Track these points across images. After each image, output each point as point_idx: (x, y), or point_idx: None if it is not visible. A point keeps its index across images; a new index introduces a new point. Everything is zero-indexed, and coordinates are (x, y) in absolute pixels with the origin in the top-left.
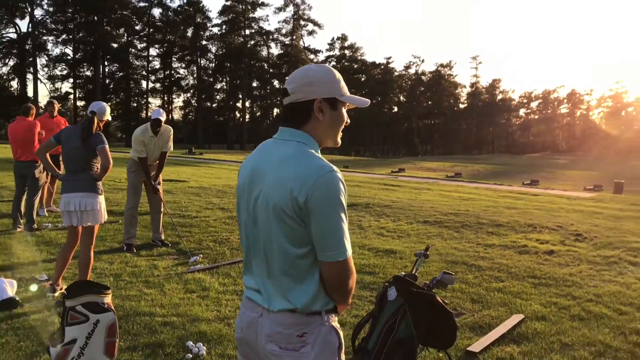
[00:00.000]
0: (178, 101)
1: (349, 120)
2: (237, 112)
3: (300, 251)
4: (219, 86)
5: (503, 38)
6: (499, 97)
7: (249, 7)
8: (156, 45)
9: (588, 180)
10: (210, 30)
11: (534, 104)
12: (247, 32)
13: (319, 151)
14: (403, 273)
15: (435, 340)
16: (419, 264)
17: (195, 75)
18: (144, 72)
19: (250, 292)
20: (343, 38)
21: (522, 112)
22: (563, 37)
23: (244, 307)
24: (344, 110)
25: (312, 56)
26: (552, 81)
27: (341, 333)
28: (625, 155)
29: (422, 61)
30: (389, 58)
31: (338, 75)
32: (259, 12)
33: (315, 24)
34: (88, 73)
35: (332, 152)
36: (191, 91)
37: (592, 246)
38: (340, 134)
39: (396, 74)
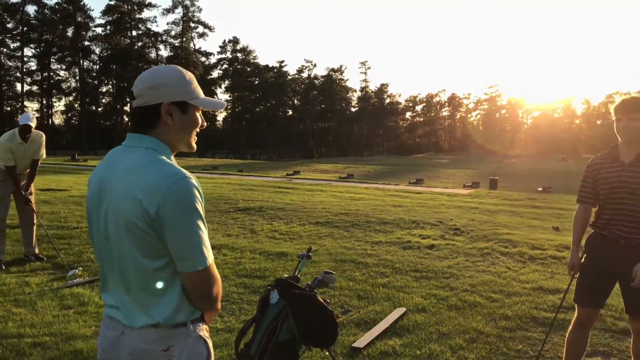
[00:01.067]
0: (59, 105)
1: (205, 123)
2: (124, 117)
3: (158, 264)
4: (104, 89)
5: (390, 43)
6: (387, 100)
7: (135, 8)
8: (32, 45)
9: (467, 178)
10: (94, 31)
11: (418, 107)
12: (134, 33)
13: (172, 157)
14: (285, 276)
15: (318, 340)
16: (302, 266)
17: (77, 78)
18: (18, 74)
19: (110, 310)
20: (235, 41)
21: (408, 115)
22: (443, 42)
23: (104, 326)
24: (197, 114)
25: (203, 58)
26: (435, 86)
27: (210, 342)
28: (500, 154)
29: (315, 65)
30: (282, 62)
31: (189, 76)
32: (146, 13)
33: (205, 26)
34: None
35: (227, 156)
36: (74, 94)
37: (469, 239)
38: (195, 138)
39: (290, 77)
